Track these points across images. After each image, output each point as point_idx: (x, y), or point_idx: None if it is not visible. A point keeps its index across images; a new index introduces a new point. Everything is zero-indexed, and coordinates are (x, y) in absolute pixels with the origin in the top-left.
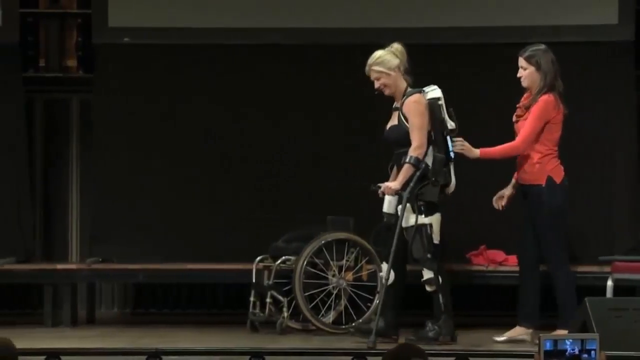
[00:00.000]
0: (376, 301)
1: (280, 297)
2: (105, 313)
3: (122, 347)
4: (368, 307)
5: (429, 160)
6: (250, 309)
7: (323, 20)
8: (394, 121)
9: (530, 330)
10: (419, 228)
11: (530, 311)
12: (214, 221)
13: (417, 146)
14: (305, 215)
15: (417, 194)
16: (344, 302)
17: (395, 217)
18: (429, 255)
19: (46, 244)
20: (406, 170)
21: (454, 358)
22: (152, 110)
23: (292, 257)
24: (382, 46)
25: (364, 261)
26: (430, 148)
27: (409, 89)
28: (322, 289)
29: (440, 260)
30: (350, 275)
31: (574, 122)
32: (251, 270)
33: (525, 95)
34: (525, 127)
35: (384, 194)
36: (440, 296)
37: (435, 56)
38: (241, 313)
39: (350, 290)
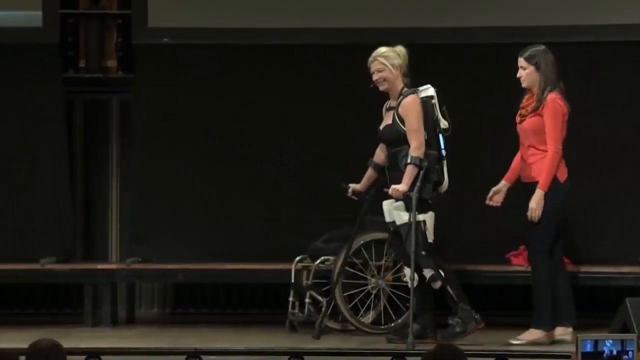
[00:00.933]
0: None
1: (319, 297)
2: (145, 313)
3: (161, 346)
4: (407, 308)
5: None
6: (289, 309)
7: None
8: (388, 121)
9: (570, 329)
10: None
11: (567, 309)
12: (254, 221)
13: (416, 146)
14: (345, 214)
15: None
16: (383, 302)
17: (407, 226)
18: (423, 253)
19: (86, 244)
20: (410, 171)
21: (494, 358)
22: (192, 110)
23: (331, 257)
24: (386, 44)
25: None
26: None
27: (405, 89)
28: (361, 289)
29: (438, 256)
30: (389, 276)
31: (611, 121)
32: (290, 270)
33: (526, 97)
34: (547, 131)
35: (354, 193)
36: (448, 288)
37: (456, 56)
38: (280, 313)
39: (389, 290)
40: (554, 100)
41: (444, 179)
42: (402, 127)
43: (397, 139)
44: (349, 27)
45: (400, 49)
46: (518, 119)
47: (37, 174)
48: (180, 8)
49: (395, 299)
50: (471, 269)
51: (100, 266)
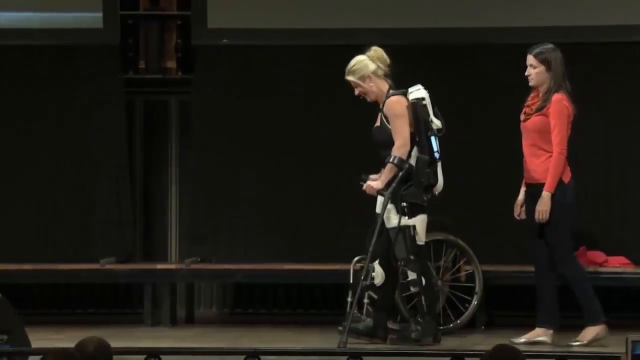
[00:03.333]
0: (474, 302)
1: None
2: (204, 313)
3: (220, 346)
4: (466, 308)
5: (413, 161)
6: (348, 309)
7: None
8: (377, 122)
9: (551, 332)
10: (402, 229)
11: (550, 312)
12: (313, 221)
13: (399, 145)
14: None
15: (400, 195)
16: (441, 302)
17: (396, 229)
18: (412, 257)
19: (146, 244)
20: (389, 170)
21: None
22: (251, 111)
23: None
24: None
25: (461, 262)
26: (415, 149)
27: (391, 91)
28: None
29: (427, 261)
30: (447, 276)
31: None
32: (349, 271)
33: (532, 95)
34: (553, 132)
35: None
36: (423, 298)
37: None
38: (338, 313)
39: (448, 291)
40: (560, 100)
41: (437, 181)
42: (389, 126)
43: (385, 140)
44: (406, 27)
45: (375, 51)
46: (522, 117)
47: (97, 174)
48: (240, 9)
49: (454, 300)
50: (529, 270)
51: (159, 266)
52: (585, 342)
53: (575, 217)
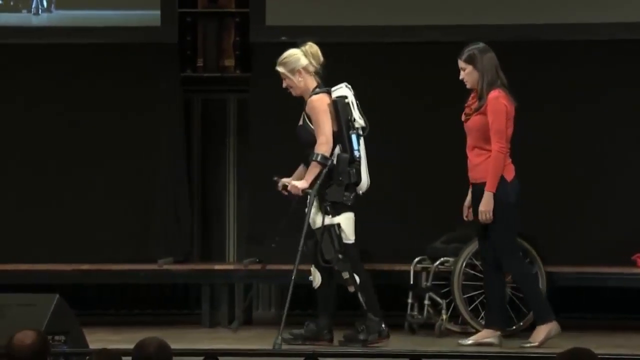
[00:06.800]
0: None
1: (439, 299)
2: (262, 314)
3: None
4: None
5: (334, 160)
6: (408, 311)
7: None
8: (300, 122)
9: (498, 333)
10: (327, 228)
11: (498, 313)
12: (372, 222)
13: (321, 143)
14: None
15: (322, 195)
16: (505, 304)
17: (321, 229)
18: (340, 256)
19: (204, 244)
20: (313, 168)
21: None
22: None
23: (451, 259)
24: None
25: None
26: (337, 147)
27: (317, 89)
28: (482, 290)
29: (358, 259)
30: (509, 277)
31: None
32: (409, 272)
33: (472, 95)
34: (491, 130)
35: (284, 188)
36: (360, 295)
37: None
38: (399, 315)
39: (510, 292)
40: (497, 98)
41: (360, 179)
42: (311, 126)
43: (308, 139)
44: (468, 24)
45: (310, 46)
46: (463, 117)
47: (155, 174)
48: (298, 6)
49: (517, 301)
50: (594, 271)
51: (217, 267)
52: (536, 343)
53: (516, 218)
